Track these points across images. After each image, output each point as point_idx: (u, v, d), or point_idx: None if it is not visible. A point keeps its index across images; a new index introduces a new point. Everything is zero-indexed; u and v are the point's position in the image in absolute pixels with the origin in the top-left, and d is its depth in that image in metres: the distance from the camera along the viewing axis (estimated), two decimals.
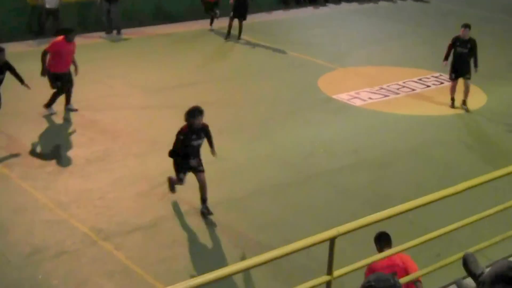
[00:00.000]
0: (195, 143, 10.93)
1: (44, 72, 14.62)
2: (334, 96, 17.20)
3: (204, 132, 11.05)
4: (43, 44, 16.67)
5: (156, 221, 10.89)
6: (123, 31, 22.41)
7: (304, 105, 16.51)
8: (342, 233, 5.65)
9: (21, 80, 13.95)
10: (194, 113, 10.84)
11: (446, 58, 16.58)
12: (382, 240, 7.17)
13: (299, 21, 26.14)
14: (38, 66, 14.60)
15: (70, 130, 14.42)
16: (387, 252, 6.48)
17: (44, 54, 14.59)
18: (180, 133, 10.89)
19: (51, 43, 14.82)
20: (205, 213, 11.07)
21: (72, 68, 15.00)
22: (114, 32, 22.28)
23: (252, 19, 23.27)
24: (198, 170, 11.01)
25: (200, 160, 11.08)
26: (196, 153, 11.03)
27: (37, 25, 21.73)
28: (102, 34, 22.08)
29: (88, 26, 22.33)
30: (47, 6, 21.17)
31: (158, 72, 18.66)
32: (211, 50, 21.47)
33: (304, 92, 17.48)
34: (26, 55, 18.21)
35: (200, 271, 8.84)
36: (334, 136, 14.71)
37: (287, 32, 24.19)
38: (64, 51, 14.62)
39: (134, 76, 18.13)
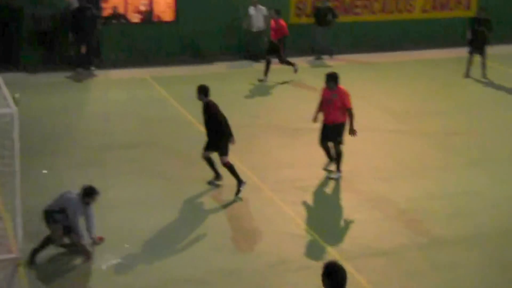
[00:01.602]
0: None
1: (313, 118, 13.41)
2: None
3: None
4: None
5: (400, 248, 10.79)
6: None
7: None
8: None
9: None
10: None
11: None
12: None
13: None
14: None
15: (321, 149, 14.73)
16: None
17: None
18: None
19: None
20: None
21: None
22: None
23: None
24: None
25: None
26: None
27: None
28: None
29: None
30: (254, 29, 21.78)
31: (405, 97, 18.67)
32: (456, 77, 20.84)
33: None
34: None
35: None
36: None
37: None
38: (323, 98, 13.12)
39: (382, 99, 18.24)
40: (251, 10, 21.82)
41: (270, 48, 19.88)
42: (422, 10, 24.83)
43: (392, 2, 24.32)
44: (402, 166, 13.98)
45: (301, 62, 21.27)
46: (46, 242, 10.07)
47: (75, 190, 10.22)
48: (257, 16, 21.79)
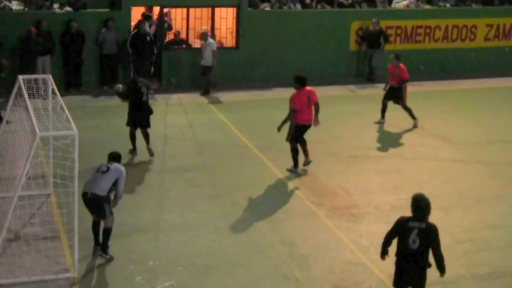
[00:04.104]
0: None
1: None
2: None
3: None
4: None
5: (456, 278, 10.61)
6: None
7: None
8: None
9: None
10: None
11: None
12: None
13: None
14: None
15: (377, 176, 14.67)
16: None
17: None
18: None
19: None
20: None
21: None
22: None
23: None
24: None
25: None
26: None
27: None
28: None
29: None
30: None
31: (468, 126, 18.35)
32: None
33: None
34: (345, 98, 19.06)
35: None
36: None
37: None
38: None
39: (440, 128, 18.00)
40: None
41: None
42: (484, 39, 24.59)
43: (454, 30, 24.11)
44: (459, 195, 13.76)
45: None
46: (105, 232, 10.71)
47: (103, 164, 10.90)
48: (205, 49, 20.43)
